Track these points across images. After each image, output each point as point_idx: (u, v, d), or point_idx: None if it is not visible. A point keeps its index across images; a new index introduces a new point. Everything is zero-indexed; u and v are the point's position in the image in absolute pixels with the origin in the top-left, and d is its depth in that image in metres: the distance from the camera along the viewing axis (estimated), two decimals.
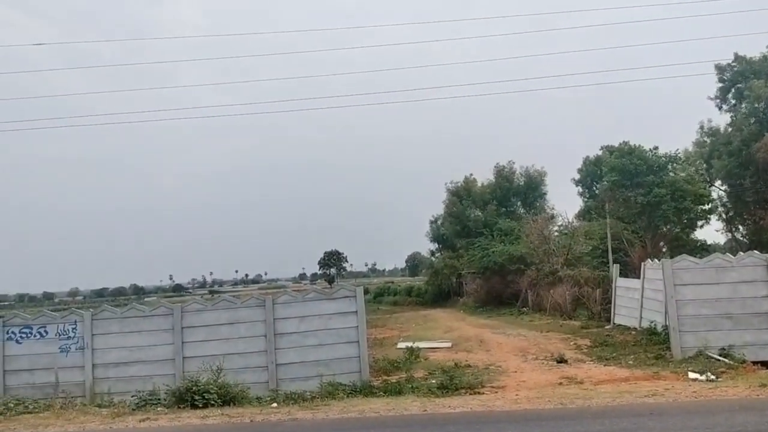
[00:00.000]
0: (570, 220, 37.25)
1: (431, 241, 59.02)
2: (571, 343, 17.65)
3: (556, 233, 35.62)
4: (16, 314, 14.23)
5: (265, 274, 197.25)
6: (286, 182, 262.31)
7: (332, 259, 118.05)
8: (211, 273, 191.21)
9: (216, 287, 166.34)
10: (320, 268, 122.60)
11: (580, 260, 31.34)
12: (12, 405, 11.10)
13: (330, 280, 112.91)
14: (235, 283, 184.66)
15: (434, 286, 53.10)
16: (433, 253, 60.50)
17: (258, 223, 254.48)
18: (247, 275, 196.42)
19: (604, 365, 13.53)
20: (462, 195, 50.02)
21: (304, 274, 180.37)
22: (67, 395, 12.00)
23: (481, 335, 20.99)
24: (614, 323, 21.09)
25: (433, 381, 11.85)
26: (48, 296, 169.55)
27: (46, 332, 13.19)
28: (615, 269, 23.32)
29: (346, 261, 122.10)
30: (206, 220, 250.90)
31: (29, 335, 13.19)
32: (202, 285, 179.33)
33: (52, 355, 13.01)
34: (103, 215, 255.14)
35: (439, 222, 56.48)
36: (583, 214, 43.79)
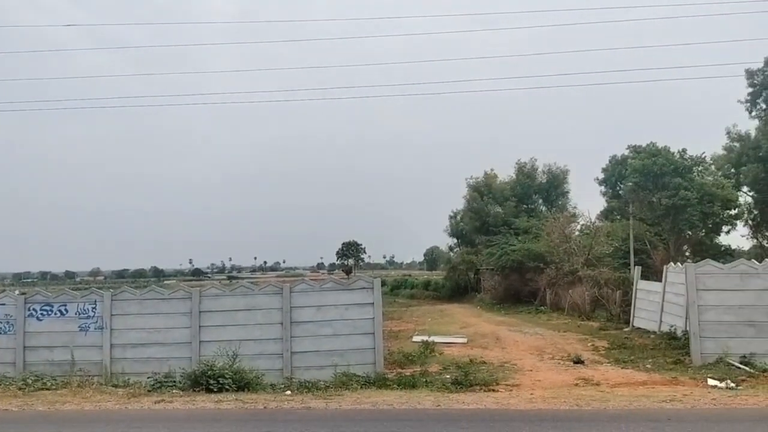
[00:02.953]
0: (592, 220, 36.81)
1: (450, 236, 58.80)
2: (589, 344, 17.47)
3: (577, 232, 35.24)
4: (38, 292, 14.45)
5: (283, 261, 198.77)
6: (307, 172, 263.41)
7: (350, 250, 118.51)
8: (230, 259, 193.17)
9: (234, 273, 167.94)
10: (338, 259, 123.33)
11: (600, 261, 30.98)
12: (30, 381, 11.29)
13: (347, 271, 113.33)
14: (254, 270, 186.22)
15: (452, 281, 52.89)
16: (451, 248, 60.30)
17: (278, 211, 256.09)
18: (265, 262, 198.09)
19: (622, 368, 13.35)
20: (482, 190, 49.71)
21: (322, 263, 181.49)
22: (85, 374, 12.16)
23: (497, 332, 20.88)
24: (633, 326, 20.83)
25: (448, 376, 11.80)
26: (70, 275, 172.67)
27: (67, 310, 13.36)
28: (636, 271, 23.00)
29: (364, 252, 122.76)
30: (227, 206, 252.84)
31: (50, 313, 13.38)
32: (221, 270, 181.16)
33: (71, 334, 13.17)
34: (126, 198, 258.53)
35: (458, 217, 56.21)
36: (605, 214, 43.30)
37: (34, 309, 13.40)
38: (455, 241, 58.25)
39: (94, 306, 13.27)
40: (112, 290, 14.09)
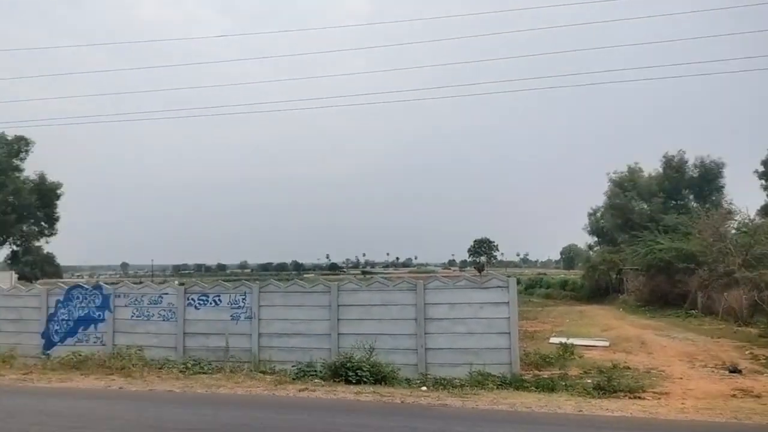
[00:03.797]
0: (751, 217, 33.45)
1: (589, 234, 56.36)
2: (747, 353, 15.96)
3: (733, 231, 32.23)
4: (196, 283, 15.77)
5: (415, 258, 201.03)
6: (439, 167, 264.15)
7: (482, 247, 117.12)
8: (364, 254, 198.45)
9: (368, 268, 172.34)
10: (470, 256, 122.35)
11: (761, 262, 28.06)
12: (190, 365, 12.35)
13: (479, 268, 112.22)
14: (386, 266, 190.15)
15: (591, 281, 50.57)
16: (590, 247, 57.77)
17: (410, 207, 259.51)
18: (397, 258, 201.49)
19: None
20: (626, 186, 47.01)
21: (453, 260, 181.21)
22: (236, 360, 13.08)
23: (642, 336, 19.69)
24: None
25: (589, 380, 11.29)
26: (221, 267, 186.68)
27: (220, 300, 14.43)
28: None
29: (497, 249, 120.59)
30: (362, 202, 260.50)
31: (206, 302, 14.52)
32: (356, 265, 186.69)
33: (225, 322, 14.21)
34: (268, 196, 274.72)
35: (598, 214, 53.72)
36: (767, 211, 39.24)
37: (192, 299, 14.62)
38: (595, 239, 55.85)
39: (244, 297, 14.21)
40: (259, 282, 15.00)
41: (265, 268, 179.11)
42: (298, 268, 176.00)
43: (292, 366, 11.98)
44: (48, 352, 14.80)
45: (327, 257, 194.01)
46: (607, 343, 18.15)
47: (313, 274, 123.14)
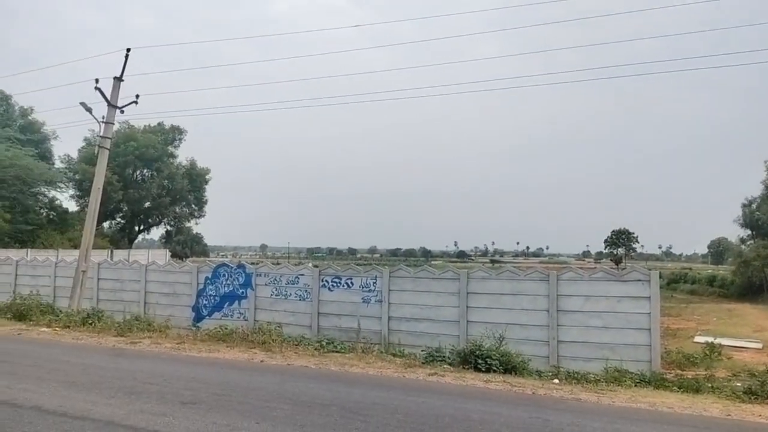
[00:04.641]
0: None
1: (742, 227, 51.80)
2: None
3: None
4: (329, 265, 16.47)
5: (546, 248, 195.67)
6: (572, 157, 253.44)
7: (620, 239, 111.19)
8: (493, 243, 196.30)
9: (497, 257, 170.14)
10: (606, 247, 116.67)
11: None
12: (324, 343, 12.91)
13: (617, 261, 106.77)
14: (516, 255, 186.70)
15: (743, 278, 46.47)
16: (743, 240, 53.03)
17: (542, 196, 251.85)
18: (528, 248, 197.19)
19: None
20: None
21: (588, 251, 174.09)
22: (367, 341, 13.51)
23: None
24: None
25: (738, 384, 10.39)
26: (352, 251, 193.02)
27: (352, 283, 14.96)
28: None
29: (636, 241, 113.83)
30: (488, 190, 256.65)
31: (339, 285, 15.12)
32: (484, 254, 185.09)
33: (356, 304, 14.73)
34: (397, 182, 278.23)
35: (753, 205, 49.14)
36: None
37: (326, 281, 15.29)
38: (748, 232, 51.19)
39: (374, 281, 14.63)
40: (388, 267, 15.34)
41: (394, 253, 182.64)
42: (427, 254, 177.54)
43: (421, 350, 12.16)
44: (198, 324, 16.19)
45: (455, 244, 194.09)
46: (760, 345, 16.68)
47: (441, 261, 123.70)
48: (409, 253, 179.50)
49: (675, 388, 9.89)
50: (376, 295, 14.53)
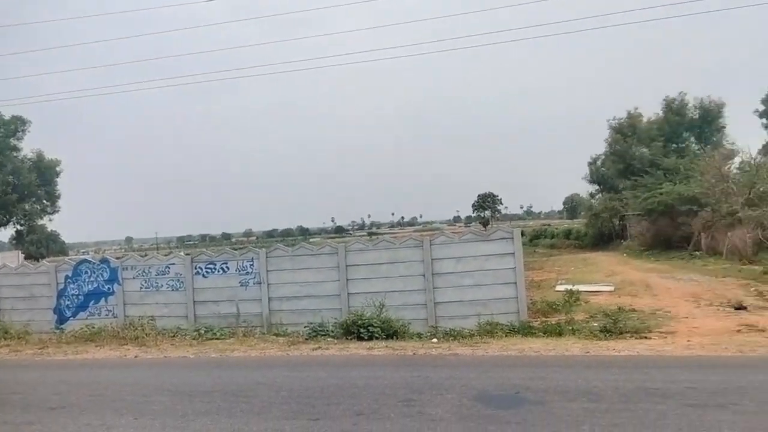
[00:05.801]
0: (752, 156, 33.36)
1: (590, 183, 56.41)
2: (752, 290, 16.14)
3: (735, 171, 32.19)
4: (202, 251, 15.90)
5: (420, 216, 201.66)
6: (440, 124, 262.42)
7: (486, 202, 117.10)
8: (369, 216, 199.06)
9: (374, 229, 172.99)
10: (474, 211, 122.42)
11: (764, 200, 28.10)
12: (202, 332, 12.55)
13: (484, 223, 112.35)
14: (392, 226, 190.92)
15: (594, 229, 50.87)
16: (592, 195, 57.79)
17: (413, 166, 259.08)
18: (402, 218, 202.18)
19: None
20: (626, 132, 46.86)
21: (458, 216, 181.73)
22: (248, 325, 13.29)
23: (646, 279, 19.89)
24: None
25: (595, 324, 11.48)
26: (226, 237, 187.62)
27: (228, 268, 14.57)
28: None
29: (501, 203, 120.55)
30: (365, 166, 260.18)
31: (213, 270, 14.66)
32: (361, 227, 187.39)
33: (234, 289, 14.38)
34: (269, 163, 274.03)
35: (598, 162, 53.69)
36: None
37: (200, 267, 14.75)
38: (597, 187, 55.90)
39: (251, 263, 14.35)
40: (265, 248, 15.12)
41: (271, 234, 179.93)
42: (304, 232, 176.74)
43: (304, 327, 12.17)
44: (61, 326, 15.04)
45: (332, 221, 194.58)
46: (612, 288, 18.36)
47: (319, 238, 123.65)
48: (287, 233, 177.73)
49: (541, 333, 10.74)
50: (254, 277, 14.28)
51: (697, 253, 29.29)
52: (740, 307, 13.12)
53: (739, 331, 10.55)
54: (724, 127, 44.93)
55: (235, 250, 15.56)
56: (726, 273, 20.73)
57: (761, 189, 28.64)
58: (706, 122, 44.98)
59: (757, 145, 43.17)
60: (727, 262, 24.33)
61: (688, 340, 9.55)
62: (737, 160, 33.34)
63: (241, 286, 14.33)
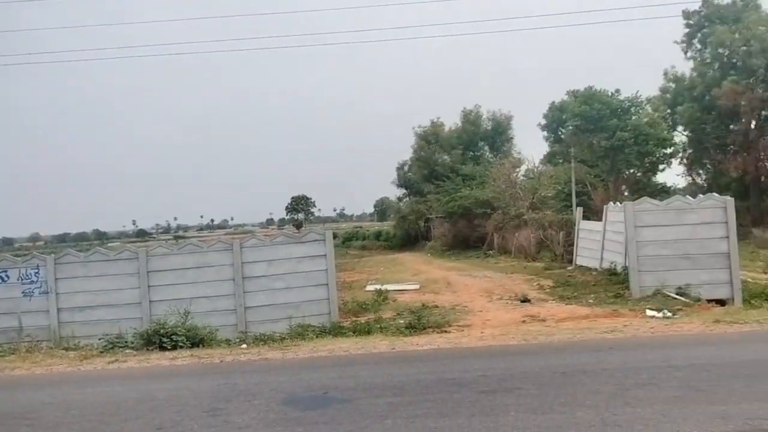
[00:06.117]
0: (536, 165, 37.65)
1: (398, 187, 59.16)
2: (535, 284, 18.08)
3: (522, 177, 36.04)
4: None
5: (232, 219, 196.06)
6: (253, 127, 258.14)
7: (300, 204, 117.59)
8: (176, 218, 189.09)
9: (181, 232, 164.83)
10: (288, 214, 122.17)
11: (545, 204, 31.88)
12: None
13: (298, 225, 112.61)
14: (201, 228, 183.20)
15: (402, 231, 53.60)
16: (400, 199, 60.70)
17: (224, 168, 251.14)
18: (212, 221, 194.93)
19: (566, 304, 13.90)
20: (430, 139, 50.00)
21: (272, 219, 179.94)
22: (33, 339, 11.87)
23: (447, 277, 21.34)
24: (576, 264, 21.58)
25: (401, 321, 12.05)
26: (7, 242, 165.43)
27: (8, 277, 12.94)
28: (578, 212, 23.67)
29: (314, 206, 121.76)
30: (171, 165, 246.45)
31: None
32: (167, 230, 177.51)
33: (15, 300, 12.81)
34: (62, 159, 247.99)
35: (406, 168, 56.53)
36: (548, 158, 44.35)
37: None
38: (404, 191, 58.70)
39: (36, 271, 12.89)
40: (54, 254, 13.67)
41: (62, 239, 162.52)
42: (101, 237, 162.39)
43: (99, 339, 11.18)
44: None
45: (134, 223, 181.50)
46: (417, 287, 19.41)
47: (118, 242, 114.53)
48: (81, 237, 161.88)
49: (350, 333, 11.02)
50: (40, 287, 12.84)
51: (490, 252, 32.17)
52: (525, 300, 14.62)
53: (524, 321, 11.76)
54: (512, 138, 50.03)
55: (18, 257, 13.83)
56: (514, 270, 22.97)
57: (542, 194, 32.44)
58: (498, 133, 49.70)
59: (540, 154, 48.64)
60: (515, 260, 27.05)
61: (482, 332, 10.43)
62: (523, 168, 37.41)
63: (25, 296, 12.83)
